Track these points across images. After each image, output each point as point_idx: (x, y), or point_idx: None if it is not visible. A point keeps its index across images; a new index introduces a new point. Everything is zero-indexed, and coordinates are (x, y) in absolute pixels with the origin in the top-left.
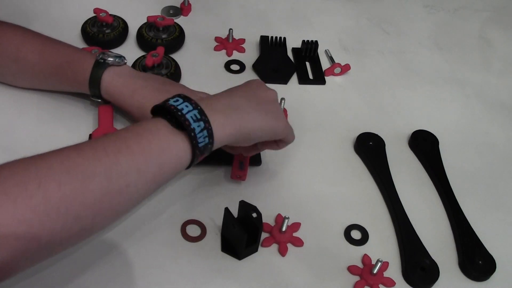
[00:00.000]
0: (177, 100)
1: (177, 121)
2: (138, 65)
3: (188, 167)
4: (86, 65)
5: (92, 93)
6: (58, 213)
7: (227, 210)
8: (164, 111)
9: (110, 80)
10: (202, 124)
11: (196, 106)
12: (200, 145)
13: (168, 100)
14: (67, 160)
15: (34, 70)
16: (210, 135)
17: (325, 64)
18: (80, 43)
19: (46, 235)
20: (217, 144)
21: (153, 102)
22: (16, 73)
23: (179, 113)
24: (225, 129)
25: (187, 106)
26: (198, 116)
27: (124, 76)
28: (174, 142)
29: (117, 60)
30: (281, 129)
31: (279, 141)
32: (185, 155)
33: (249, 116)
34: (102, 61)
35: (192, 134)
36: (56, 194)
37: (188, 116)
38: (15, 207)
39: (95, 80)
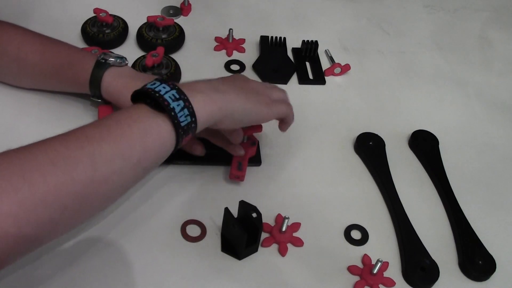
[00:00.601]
0: (154, 83)
1: (157, 103)
2: (138, 65)
3: (175, 149)
4: (87, 65)
5: (93, 93)
6: (45, 205)
7: (227, 210)
8: (143, 96)
9: (111, 80)
10: (181, 103)
11: (173, 86)
12: (182, 124)
13: (145, 85)
14: (51, 150)
15: (34, 70)
16: (192, 113)
17: (325, 64)
18: (80, 43)
19: (33, 228)
20: (201, 124)
21: None
22: (17, 73)
23: (157, 94)
24: (206, 108)
25: (164, 87)
26: (177, 96)
27: (124, 77)
28: (155, 124)
29: (118, 60)
30: (264, 112)
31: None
32: (169, 136)
33: (230, 96)
34: (103, 61)
35: (172, 113)
36: (42, 186)
37: (166, 96)
38: (1, 202)
39: (95, 80)
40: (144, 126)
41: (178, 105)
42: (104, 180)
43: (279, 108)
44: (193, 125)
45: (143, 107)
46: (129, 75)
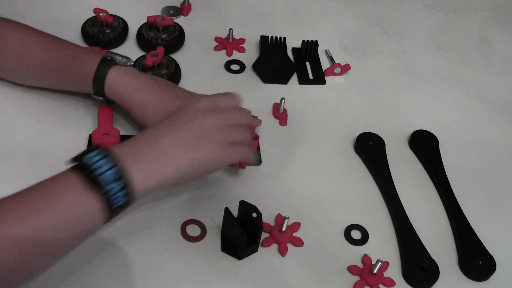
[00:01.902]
0: (98, 155)
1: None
2: (138, 65)
3: (105, 222)
4: (92, 62)
5: (95, 90)
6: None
7: (227, 210)
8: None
9: (115, 77)
10: (122, 183)
11: (115, 163)
12: (114, 206)
13: (87, 152)
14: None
15: (37, 65)
16: (130, 192)
17: (325, 64)
18: (80, 43)
19: None
20: (139, 197)
21: (156, 101)
22: (18, 68)
23: (93, 174)
24: (148, 181)
25: (106, 163)
26: (117, 175)
27: (129, 74)
28: (87, 204)
29: (124, 60)
30: (217, 161)
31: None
32: (99, 213)
33: (176, 159)
34: (109, 58)
35: (106, 196)
36: None
37: (105, 176)
38: None
39: (100, 76)
40: (75, 206)
41: (118, 185)
42: (34, 248)
43: (238, 152)
44: (127, 203)
45: (77, 180)
46: (134, 73)
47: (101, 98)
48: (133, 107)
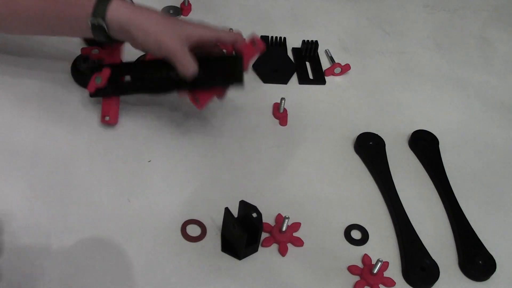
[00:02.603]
0: None
1: None
2: None
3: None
4: (88, 2)
5: (95, 29)
6: None
7: (227, 210)
8: None
9: (117, 8)
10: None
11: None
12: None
13: None
14: None
15: (26, 11)
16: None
17: (325, 64)
18: (80, 44)
19: None
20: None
21: (159, 28)
22: (7, 17)
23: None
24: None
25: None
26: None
27: (132, 5)
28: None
29: None
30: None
31: None
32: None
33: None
34: None
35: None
36: None
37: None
38: None
39: (99, 14)
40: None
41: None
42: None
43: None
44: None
45: None
46: (136, 5)
47: (101, 37)
48: (139, 36)
